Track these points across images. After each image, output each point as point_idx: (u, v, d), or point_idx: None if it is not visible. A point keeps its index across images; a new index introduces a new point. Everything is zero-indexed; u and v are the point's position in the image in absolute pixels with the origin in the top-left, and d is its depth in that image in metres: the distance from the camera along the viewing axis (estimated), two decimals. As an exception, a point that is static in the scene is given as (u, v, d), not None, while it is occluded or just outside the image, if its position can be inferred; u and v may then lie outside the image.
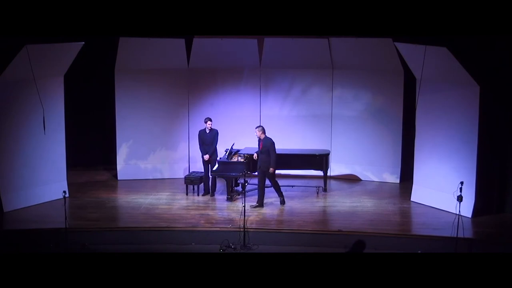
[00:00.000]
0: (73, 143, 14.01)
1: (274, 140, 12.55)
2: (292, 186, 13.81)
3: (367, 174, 14.59)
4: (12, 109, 12.08)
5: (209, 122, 13.20)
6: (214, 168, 13.09)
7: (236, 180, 13.31)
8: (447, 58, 11.18)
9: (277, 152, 13.55)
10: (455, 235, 10.43)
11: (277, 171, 14.29)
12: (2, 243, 10.72)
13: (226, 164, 13.00)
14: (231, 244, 10.84)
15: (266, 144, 12.48)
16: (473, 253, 10.35)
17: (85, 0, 9.51)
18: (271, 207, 12.55)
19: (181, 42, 14.05)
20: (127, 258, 8.89)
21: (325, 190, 13.65)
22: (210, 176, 13.30)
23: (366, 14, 9.49)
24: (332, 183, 14.30)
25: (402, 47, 12.20)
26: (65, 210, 10.68)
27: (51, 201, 12.53)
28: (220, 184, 13.63)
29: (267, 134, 12.58)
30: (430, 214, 12.13)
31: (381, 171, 14.46)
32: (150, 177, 14.54)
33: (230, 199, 12.94)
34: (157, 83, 14.33)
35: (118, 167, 14.49)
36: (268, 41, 14.21)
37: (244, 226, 10.95)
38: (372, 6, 9.40)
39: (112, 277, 8.23)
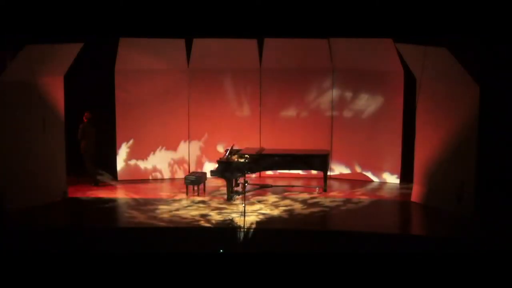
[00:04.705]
0: (73, 143, 14.00)
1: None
2: (292, 186, 13.81)
3: (367, 174, 14.59)
4: (12, 109, 12.07)
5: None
6: (214, 168, 13.08)
7: (236, 180, 13.31)
8: (447, 58, 11.18)
9: (277, 152, 13.58)
10: (455, 235, 10.42)
11: (277, 171, 14.36)
12: (2, 243, 10.71)
13: (226, 164, 12.99)
14: (231, 244, 10.82)
15: None
16: (473, 253, 10.35)
17: (85, 0, 9.54)
18: (271, 207, 12.54)
19: (181, 42, 14.05)
20: (127, 258, 8.91)
21: (325, 190, 13.64)
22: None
23: (366, 15, 9.51)
24: (332, 183, 14.30)
25: (402, 48, 12.19)
26: (65, 210, 10.68)
27: (51, 201, 12.53)
28: (220, 184, 13.63)
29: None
30: (430, 214, 12.12)
31: (381, 171, 14.46)
32: (150, 177, 14.54)
33: (230, 199, 12.94)
34: (157, 83, 14.32)
35: (118, 167, 14.49)
36: (268, 42, 14.21)
37: (244, 226, 10.95)
38: (372, 6, 9.42)
39: (112, 277, 8.25)
